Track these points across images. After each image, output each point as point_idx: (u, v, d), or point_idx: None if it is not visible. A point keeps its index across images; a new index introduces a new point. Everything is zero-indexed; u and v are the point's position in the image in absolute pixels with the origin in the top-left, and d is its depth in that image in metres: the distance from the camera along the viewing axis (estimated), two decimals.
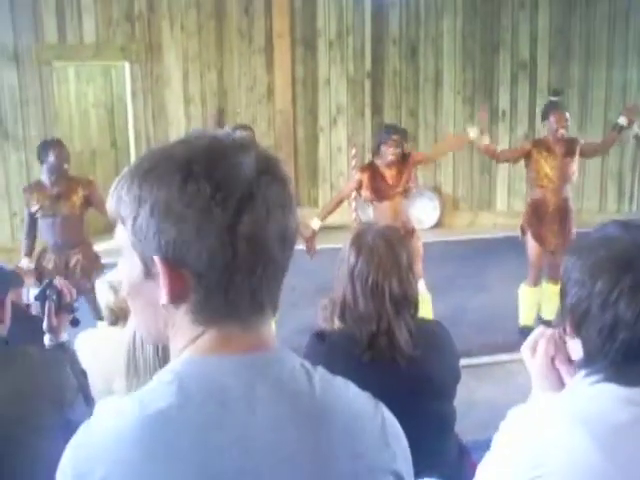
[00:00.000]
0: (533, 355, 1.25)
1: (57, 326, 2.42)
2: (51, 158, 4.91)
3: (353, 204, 8.81)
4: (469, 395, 3.87)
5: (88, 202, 4.98)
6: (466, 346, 3.94)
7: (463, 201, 9.19)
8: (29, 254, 5.13)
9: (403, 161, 5.01)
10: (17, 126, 7.96)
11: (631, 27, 8.51)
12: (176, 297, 0.87)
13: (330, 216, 5.21)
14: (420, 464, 1.17)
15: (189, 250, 0.85)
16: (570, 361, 1.20)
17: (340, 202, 5.24)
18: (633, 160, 8.78)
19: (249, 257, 0.86)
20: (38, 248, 5.17)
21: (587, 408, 1.08)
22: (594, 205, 8.90)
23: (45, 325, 2.41)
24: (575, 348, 1.18)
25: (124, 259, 0.91)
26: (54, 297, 2.41)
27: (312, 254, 4.97)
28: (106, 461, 0.83)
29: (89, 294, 4.39)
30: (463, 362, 2.38)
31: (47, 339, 2.44)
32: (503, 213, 8.90)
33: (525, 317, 5.32)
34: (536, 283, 5.28)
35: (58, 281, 2.45)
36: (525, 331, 5.21)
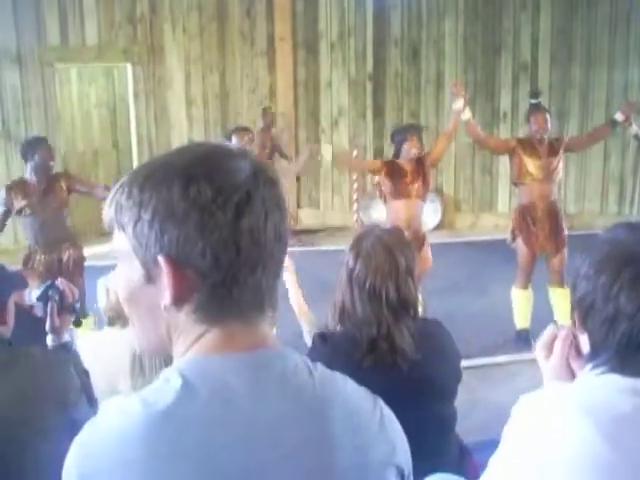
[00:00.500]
0: (548, 356, 1.26)
1: (59, 327, 2.42)
2: (38, 157, 4.93)
3: (355, 205, 8.83)
4: (470, 396, 3.87)
5: (70, 191, 5.06)
6: (467, 347, 3.93)
7: (465, 203, 9.19)
8: None
9: (421, 161, 5.02)
10: (20, 127, 7.98)
11: (632, 29, 8.50)
12: (180, 298, 0.88)
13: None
14: (421, 465, 1.18)
15: (193, 249, 0.86)
16: (581, 355, 1.22)
17: (359, 167, 5.13)
18: (634, 163, 8.76)
19: (251, 255, 0.88)
20: (24, 252, 5.13)
21: (592, 398, 1.10)
22: (595, 207, 8.90)
23: (47, 326, 2.42)
24: (585, 342, 1.20)
25: (122, 266, 0.92)
26: (56, 298, 2.41)
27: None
28: (111, 459, 0.84)
29: (80, 289, 4.38)
30: (464, 363, 2.39)
31: (49, 340, 2.45)
32: (505, 215, 8.87)
33: (520, 320, 5.29)
34: (526, 286, 5.26)
35: (60, 282, 2.46)
36: (522, 334, 5.21)
